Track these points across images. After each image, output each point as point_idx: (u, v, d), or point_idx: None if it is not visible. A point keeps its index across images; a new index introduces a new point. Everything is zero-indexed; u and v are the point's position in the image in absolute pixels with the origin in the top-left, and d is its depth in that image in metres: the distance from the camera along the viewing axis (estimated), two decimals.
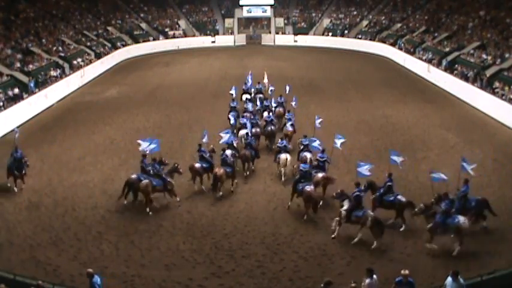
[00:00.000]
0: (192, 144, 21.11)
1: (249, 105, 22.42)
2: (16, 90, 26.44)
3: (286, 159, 17.42)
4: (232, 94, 24.55)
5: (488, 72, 27.46)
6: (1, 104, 24.48)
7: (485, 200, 14.13)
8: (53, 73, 30.92)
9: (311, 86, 31.10)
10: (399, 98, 28.94)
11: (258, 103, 23.50)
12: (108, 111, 26.91)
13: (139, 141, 17.23)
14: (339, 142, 17.37)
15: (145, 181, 15.26)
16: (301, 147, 17.95)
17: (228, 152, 17.28)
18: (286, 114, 21.86)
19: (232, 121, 21.25)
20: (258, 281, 11.96)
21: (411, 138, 21.69)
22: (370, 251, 13.00)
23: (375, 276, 9.90)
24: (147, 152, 16.46)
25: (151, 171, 15.75)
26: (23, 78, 27.94)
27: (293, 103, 22.72)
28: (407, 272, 9.70)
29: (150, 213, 15.14)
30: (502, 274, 10.54)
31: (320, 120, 19.60)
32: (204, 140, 17.76)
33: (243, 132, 19.71)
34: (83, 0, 46.31)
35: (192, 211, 15.40)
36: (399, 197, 14.33)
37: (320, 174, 15.87)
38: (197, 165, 16.78)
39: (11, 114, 24.29)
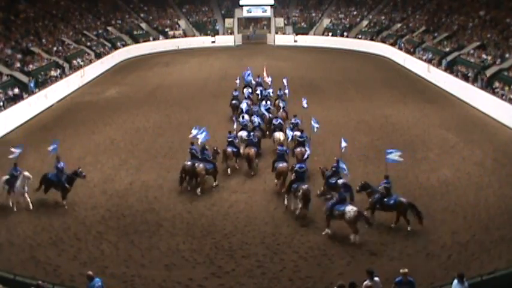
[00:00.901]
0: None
1: (244, 104, 22.50)
2: (16, 90, 26.45)
3: (280, 138, 18.81)
4: (237, 84, 26.45)
5: (488, 72, 27.45)
6: (1, 104, 24.49)
7: (410, 204, 13.94)
8: (53, 73, 30.93)
9: (311, 86, 31.09)
10: (399, 98, 28.94)
11: (259, 93, 24.99)
12: (108, 111, 26.91)
13: (192, 130, 18.01)
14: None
15: (201, 165, 16.43)
16: (291, 126, 18.72)
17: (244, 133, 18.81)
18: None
19: (245, 107, 22.07)
20: (258, 281, 11.96)
21: (411, 138, 21.68)
22: (370, 251, 13.01)
23: (376, 278, 9.78)
24: (200, 140, 17.49)
25: (200, 156, 17.01)
26: (23, 78, 27.95)
27: (304, 104, 22.25)
28: (406, 270, 9.68)
29: (199, 194, 16.43)
30: (502, 274, 10.54)
31: (318, 126, 18.79)
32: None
33: (243, 134, 19.74)
34: (83, 0, 46.31)
35: (192, 211, 15.41)
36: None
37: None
38: (229, 149, 18.07)
39: (11, 114, 24.30)
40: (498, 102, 24.77)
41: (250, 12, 51.16)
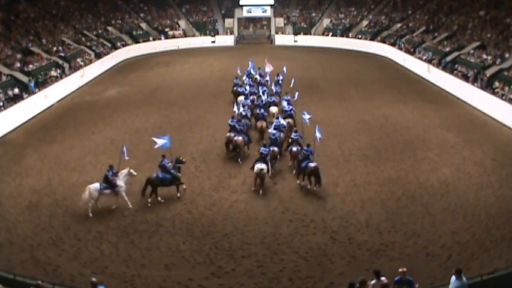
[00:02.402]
0: (192, 144, 21.18)
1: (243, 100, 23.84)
2: (16, 90, 26.45)
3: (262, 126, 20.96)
4: (238, 72, 28.70)
5: (488, 72, 27.46)
6: (1, 104, 24.49)
7: (315, 168, 16.25)
8: (53, 73, 30.94)
9: (311, 86, 31.07)
10: (399, 98, 28.94)
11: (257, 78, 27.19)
12: (108, 111, 26.91)
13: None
14: (318, 134, 18.01)
15: (239, 137, 18.94)
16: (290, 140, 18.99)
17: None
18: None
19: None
20: (258, 281, 11.96)
21: (411, 138, 21.69)
22: (370, 251, 13.01)
23: (382, 278, 9.68)
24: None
25: (239, 129, 19.49)
26: (23, 78, 27.95)
27: (295, 97, 23.65)
28: (404, 269, 9.68)
29: (240, 162, 18.75)
30: (502, 274, 10.54)
31: (309, 116, 19.73)
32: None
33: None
34: (83, 0, 46.31)
35: (192, 211, 15.41)
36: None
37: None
38: (240, 138, 19.24)
39: (11, 114, 24.30)
40: (498, 102, 24.77)
41: (250, 12, 51.20)
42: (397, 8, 47.72)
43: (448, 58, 32.40)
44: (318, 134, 17.89)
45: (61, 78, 31.07)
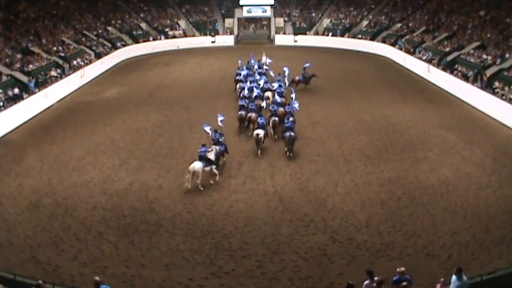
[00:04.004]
0: (192, 144, 21.17)
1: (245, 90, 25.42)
2: (16, 90, 26.42)
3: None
4: (239, 63, 30.93)
5: (488, 72, 27.45)
6: (1, 104, 24.49)
7: (291, 137, 19.24)
8: (53, 73, 30.93)
9: (311, 86, 31.05)
10: (399, 98, 28.93)
11: (258, 77, 28.14)
12: (108, 111, 26.91)
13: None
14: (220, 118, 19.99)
15: (254, 114, 21.30)
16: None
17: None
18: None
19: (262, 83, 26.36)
20: (258, 281, 11.97)
21: (411, 138, 21.68)
22: (370, 251, 13.01)
23: (376, 279, 9.75)
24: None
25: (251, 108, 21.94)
26: (23, 78, 27.93)
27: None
28: (403, 269, 9.68)
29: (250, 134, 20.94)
30: (502, 274, 10.55)
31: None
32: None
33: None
34: (83, 0, 46.30)
35: (192, 211, 15.41)
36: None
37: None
38: (254, 114, 21.37)
39: (11, 114, 24.30)
40: (498, 102, 24.75)
41: (250, 12, 51.16)
42: (397, 8, 47.70)
43: (448, 58, 32.39)
44: (295, 105, 21.74)
45: (61, 78, 31.05)
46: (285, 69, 28.94)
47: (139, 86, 33.01)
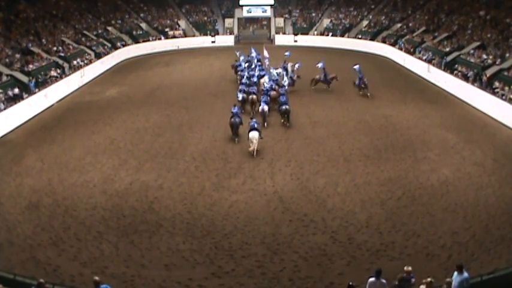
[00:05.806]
0: (192, 144, 21.19)
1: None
2: (16, 90, 26.42)
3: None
4: (237, 54, 33.78)
5: (488, 72, 27.44)
6: (1, 104, 24.48)
7: (286, 109, 22.94)
8: (53, 73, 30.92)
9: (311, 86, 31.04)
10: (399, 98, 28.93)
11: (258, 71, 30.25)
12: (108, 111, 26.90)
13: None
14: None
15: (255, 96, 24.84)
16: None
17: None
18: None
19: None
20: (258, 281, 11.97)
21: (411, 138, 21.68)
22: (370, 251, 13.01)
23: (383, 280, 9.68)
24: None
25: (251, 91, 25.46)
26: (23, 78, 27.93)
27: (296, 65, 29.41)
28: (410, 268, 9.72)
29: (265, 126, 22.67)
30: (502, 274, 10.54)
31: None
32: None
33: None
34: (83, 0, 46.30)
35: (192, 211, 15.41)
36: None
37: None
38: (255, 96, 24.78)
39: (11, 114, 24.30)
40: (498, 102, 24.75)
41: (250, 12, 51.13)
42: (397, 8, 47.68)
43: (448, 58, 32.38)
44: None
45: (61, 78, 31.05)
46: (297, 65, 30.60)
47: (139, 86, 32.99)
